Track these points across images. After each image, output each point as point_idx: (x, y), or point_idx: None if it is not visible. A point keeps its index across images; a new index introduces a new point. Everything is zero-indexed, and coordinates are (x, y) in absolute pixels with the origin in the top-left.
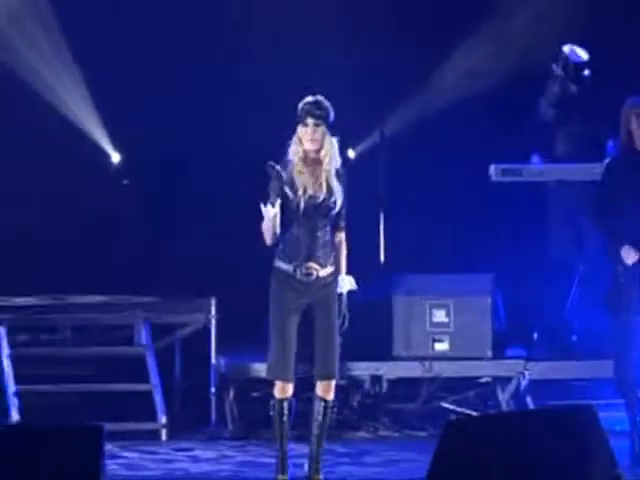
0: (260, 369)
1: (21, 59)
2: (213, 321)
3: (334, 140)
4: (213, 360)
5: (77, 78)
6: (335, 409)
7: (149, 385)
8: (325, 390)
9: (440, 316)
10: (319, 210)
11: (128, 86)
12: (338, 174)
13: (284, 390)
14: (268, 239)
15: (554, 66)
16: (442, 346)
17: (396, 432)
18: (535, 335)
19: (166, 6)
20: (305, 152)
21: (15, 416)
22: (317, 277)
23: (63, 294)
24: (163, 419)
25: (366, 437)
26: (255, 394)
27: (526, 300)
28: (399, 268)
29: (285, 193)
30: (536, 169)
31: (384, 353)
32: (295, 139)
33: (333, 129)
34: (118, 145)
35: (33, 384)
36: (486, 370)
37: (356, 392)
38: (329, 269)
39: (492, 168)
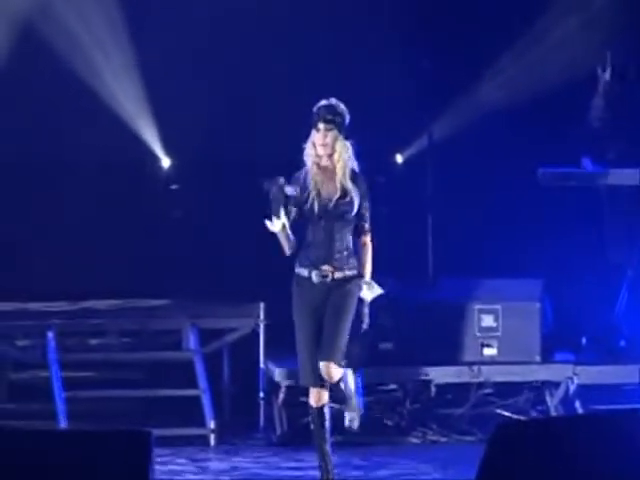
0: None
1: (84, 56)
2: (262, 326)
3: (348, 143)
4: (261, 365)
5: (134, 78)
6: (345, 382)
7: (198, 390)
8: (325, 370)
9: (489, 321)
10: (333, 212)
11: (184, 91)
12: (354, 176)
13: (317, 397)
14: (285, 249)
15: (600, 71)
16: (491, 351)
17: (445, 437)
18: (584, 340)
19: (225, 11)
20: (318, 156)
21: (63, 421)
22: (333, 279)
23: (111, 298)
24: (212, 424)
25: (415, 442)
26: (304, 399)
27: (574, 304)
28: (447, 273)
29: (299, 198)
30: (586, 174)
31: (433, 358)
32: (309, 142)
33: (374, 130)
34: (170, 149)
35: (82, 389)
36: (535, 375)
37: (405, 397)
38: (347, 272)
39: (540, 172)
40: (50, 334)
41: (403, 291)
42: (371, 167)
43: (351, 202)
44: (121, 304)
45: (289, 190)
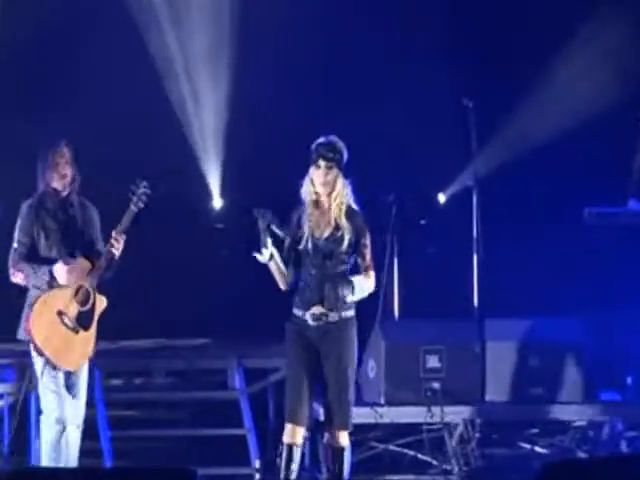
0: (354, 414)
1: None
2: None
3: (347, 182)
4: None
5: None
6: (347, 454)
7: (243, 429)
8: (338, 439)
9: (534, 360)
10: (326, 248)
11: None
12: (351, 213)
13: (293, 434)
14: (280, 284)
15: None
16: (536, 390)
17: (490, 476)
18: (629, 379)
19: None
20: (317, 193)
21: (109, 460)
22: (327, 322)
23: (157, 338)
24: (257, 463)
25: None
26: (350, 438)
27: (619, 344)
28: (492, 313)
29: (294, 235)
30: (632, 213)
31: (478, 397)
32: (307, 180)
33: (418, 170)
34: (226, 189)
35: (127, 428)
36: (579, 414)
37: (450, 436)
38: (343, 313)
39: (587, 212)
40: (96, 373)
41: (448, 331)
42: (415, 208)
43: (341, 238)
44: (167, 343)
45: (275, 228)
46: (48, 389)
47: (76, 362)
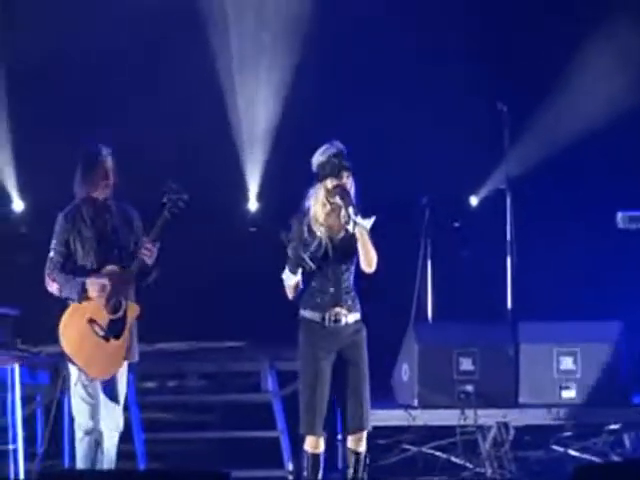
0: (385, 417)
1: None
2: None
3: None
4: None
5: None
6: (368, 460)
7: (276, 431)
8: (357, 442)
9: (567, 363)
10: (342, 249)
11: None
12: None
13: (315, 444)
14: (290, 296)
15: None
16: (569, 393)
17: (523, 479)
18: None
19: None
20: (334, 203)
21: (143, 462)
22: (346, 324)
23: (190, 340)
24: (290, 466)
25: None
26: (381, 441)
27: None
28: (526, 315)
29: (304, 239)
30: None
31: (511, 400)
32: (320, 191)
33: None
34: (262, 192)
35: (161, 431)
36: (613, 417)
37: (483, 439)
38: (357, 315)
39: (619, 215)
40: (130, 376)
41: (481, 334)
42: (448, 211)
43: (352, 236)
44: (201, 346)
45: (305, 257)
46: (81, 399)
47: (107, 371)
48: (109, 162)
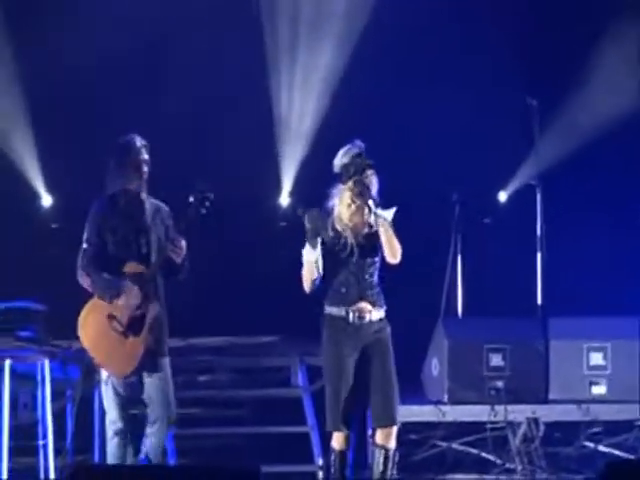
0: (415, 412)
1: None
2: None
3: None
4: None
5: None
6: (397, 458)
7: (306, 427)
8: (386, 438)
9: (597, 359)
10: (366, 247)
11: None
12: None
13: (342, 441)
14: (307, 285)
15: None
16: (599, 389)
17: (553, 475)
18: None
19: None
20: (355, 201)
21: (172, 458)
22: (370, 321)
23: (221, 335)
24: (320, 461)
25: None
26: (413, 436)
27: None
28: (556, 311)
29: (328, 237)
30: None
31: (541, 396)
32: (345, 192)
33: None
34: (295, 188)
35: (190, 426)
36: None
37: (513, 435)
38: (381, 312)
39: None
40: None
41: (511, 330)
42: (478, 207)
43: (376, 232)
44: (230, 341)
45: (322, 229)
46: (111, 398)
47: (124, 369)
48: (144, 154)
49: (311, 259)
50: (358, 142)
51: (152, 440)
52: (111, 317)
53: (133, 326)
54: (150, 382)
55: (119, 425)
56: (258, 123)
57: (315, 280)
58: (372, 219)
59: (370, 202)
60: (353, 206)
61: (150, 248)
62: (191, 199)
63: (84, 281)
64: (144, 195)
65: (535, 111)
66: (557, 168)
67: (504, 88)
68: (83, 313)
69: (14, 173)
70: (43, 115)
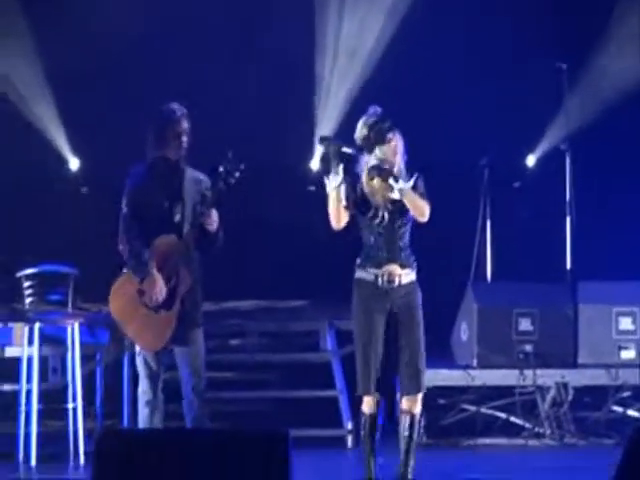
0: (444, 377)
1: None
2: None
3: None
4: None
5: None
6: (423, 422)
7: (335, 391)
8: (411, 404)
9: (626, 323)
10: (395, 212)
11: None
12: (408, 172)
13: (372, 404)
14: (334, 219)
15: None
16: (628, 354)
17: (582, 440)
18: None
19: None
20: (382, 161)
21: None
22: (399, 284)
23: (252, 299)
24: (349, 425)
25: (552, 445)
26: (442, 401)
27: None
28: (585, 275)
29: (358, 203)
30: None
31: (570, 361)
32: (372, 161)
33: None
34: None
35: (221, 390)
36: None
37: (542, 400)
38: (412, 275)
39: None
40: None
41: (540, 294)
42: (507, 172)
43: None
44: (261, 305)
45: (347, 149)
46: (142, 370)
47: (154, 344)
48: (183, 122)
49: (337, 183)
50: (373, 109)
51: (187, 412)
52: (141, 292)
53: (164, 301)
54: (182, 355)
55: (150, 396)
56: (294, 87)
57: (342, 212)
58: (395, 194)
59: (390, 180)
60: (376, 181)
61: (184, 218)
62: (220, 169)
63: (122, 248)
64: (183, 164)
65: (564, 75)
66: (586, 132)
67: (534, 52)
68: (115, 286)
69: (41, 139)
70: (67, 80)
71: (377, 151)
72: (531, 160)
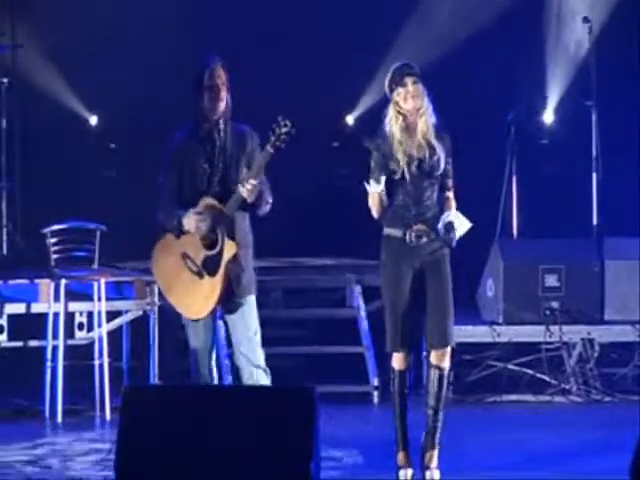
0: (470, 333)
1: None
2: None
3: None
4: None
5: None
6: (451, 378)
7: (361, 347)
8: (440, 358)
9: None
10: (423, 172)
11: None
12: (437, 132)
13: (402, 361)
14: (376, 213)
15: None
16: None
17: (608, 396)
18: None
19: None
20: (404, 117)
21: (228, 378)
22: (428, 240)
23: (274, 257)
24: (375, 381)
25: (578, 401)
26: (467, 357)
27: None
28: (612, 231)
29: (387, 164)
30: None
31: (596, 317)
32: (391, 107)
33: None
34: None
35: None
36: None
37: (568, 356)
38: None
39: None
40: None
41: (567, 250)
42: (533, 128)
43: (438, 159)
44: (287, 262)
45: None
46: (190, 338)
47: (199, 310)
48: (218, 72)
49: (377, 190)
50: (405, 61)
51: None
52: (185, 256)
53: (208, 265)
54: (232, 323)
55: (197, 370)
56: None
57: (383, 207)
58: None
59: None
60: (401, 118)
61: (227, 181)
62: (270, 133)
63: (161, 218)
64: (225, 120)
65: (590, 31)
66: (612, 88)
67: (561, 8)
68: (156, 251)
69: (56, 99)
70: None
71: (394, 94)
72: (556, 117)
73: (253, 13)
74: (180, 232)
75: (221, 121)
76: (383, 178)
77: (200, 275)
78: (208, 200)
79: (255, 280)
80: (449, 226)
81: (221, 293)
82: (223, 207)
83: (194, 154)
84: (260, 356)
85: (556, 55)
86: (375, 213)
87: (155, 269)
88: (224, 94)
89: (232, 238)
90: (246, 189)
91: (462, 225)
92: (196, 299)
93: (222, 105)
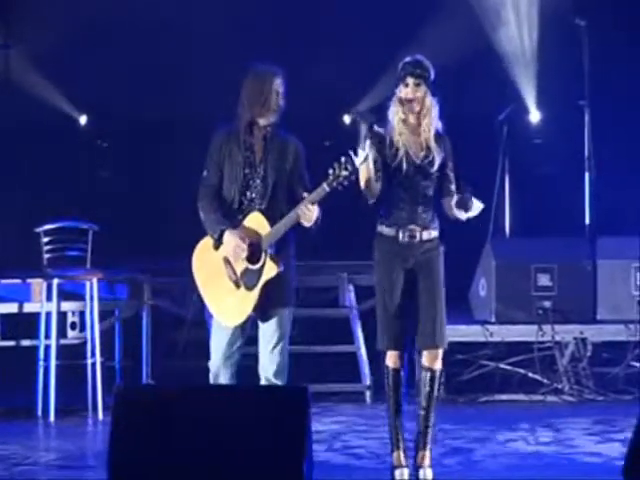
0: (462, 332)
1: None
2: None
3: (435, 101)
4: None
5: None
6: (443, 379)
7: (354, 347)
8: (431, 360)
9: None
10: (420, 170)
11: None
12: (438, 136)
13: (394, 360)
14: (367, 193)
15: None
16: None
17: (601, 396)
18: None
19: None
20: (405, 113)
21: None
22: (420, 240)
23: None
24: (367, 381)
25: (571, 400)
26: (460, 356)
27: None
28: (604, 231)
29: (384, 154)
30: None
31: (589, 316)
32: (394, 100)
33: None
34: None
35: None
36: None
37: (561, 355)
38: (433, 233)
39: None
40: None
41: (559, 250)
42: (526, 127)
43: (433, 160)
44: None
45: (379, 129)
46: (215, 339)
47: (230, 319)
48: (278, 84)
49: (360, 162)
50: (420, 56)
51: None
52: (227, 261)
53: (247, 279)
54: (263, 333)
55: (214, 368)
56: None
57: (375, 192)
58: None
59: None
60: (400, 111)
61: (261, 185)
62: (329, 172)
63: (200, 212)
64: (272, 129)
65: (584, 31)
66: (605, 88)
67: (555, 8)
68: (199, 248)
69: (46, 100)
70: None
71: (397, 90)
72: (548, 116)
73: (245, 14)
74: (219, 243)
75: (269, 128)
76: (368, 143)
77: (237, 285)
78: (254, 219)
79: (292, 295)
80: (468, 196)
81: (254, 309)
82: (270, 228)
83: (236, 156)
84: (279, 369)
85: (548, 55)
86: (365, 193)
87: (196, 262)
88: (282, 104)
89: (275, 258)
90: (304, 212)
91: (476, 204)
92: (229, 308)
93: (277, 115)
